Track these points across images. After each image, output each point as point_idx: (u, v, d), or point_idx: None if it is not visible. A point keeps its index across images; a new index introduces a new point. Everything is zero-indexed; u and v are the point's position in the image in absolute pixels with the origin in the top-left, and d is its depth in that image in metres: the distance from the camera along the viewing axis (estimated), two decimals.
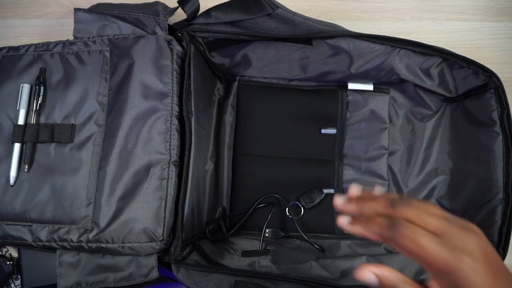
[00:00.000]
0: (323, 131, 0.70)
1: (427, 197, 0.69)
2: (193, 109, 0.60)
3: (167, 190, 0.57)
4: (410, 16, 0.76)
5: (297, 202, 0.68)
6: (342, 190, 0.69)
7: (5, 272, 0.66)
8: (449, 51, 0.61)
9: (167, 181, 0.57)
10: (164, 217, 0.56)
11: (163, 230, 0.56)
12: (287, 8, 0.60)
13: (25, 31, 0.76)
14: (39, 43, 0.63)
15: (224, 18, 0.60)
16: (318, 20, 0.62)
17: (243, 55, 0.67)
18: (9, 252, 0.67)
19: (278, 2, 0.59)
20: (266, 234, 0.67)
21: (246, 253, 0.63)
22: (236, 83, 0.72)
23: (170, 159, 0.58)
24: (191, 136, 0.59)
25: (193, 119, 0.60)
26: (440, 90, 0.66)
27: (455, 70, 0.63)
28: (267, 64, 0.69)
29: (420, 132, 0.70)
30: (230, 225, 0.69)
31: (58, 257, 0.58)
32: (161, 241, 0.56)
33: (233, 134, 0.71)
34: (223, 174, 0.70)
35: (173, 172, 0.58)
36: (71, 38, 0.63)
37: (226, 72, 0.71)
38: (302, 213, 0.68)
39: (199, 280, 0.54)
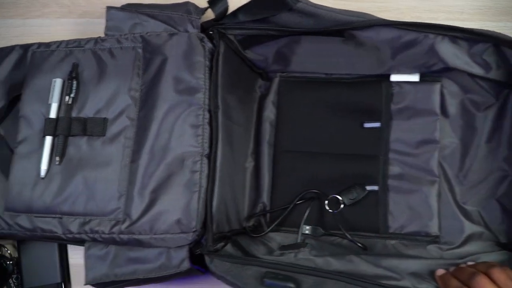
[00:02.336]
0: (365, 125, 0.67)
1: (486, 197, 0.63)
2: (220, 104, 0.61)
3: (200, 182, 0.58)
4: (410, 15, 0.73)
5: (336, 196, 0.65)
6: (387, 187, 0.65)
7: (6, 271, 0.67)
8: (497, 34, 0.56)
9: (200, 174, 0.58)
10: (198, 208, 0.57)
11: (196, 221, 0.57)
12: (308, 1, 0.59)
13: (25, 31, 0.76)
14: (70, 40, 0.65)
15: (249, 17, 0.61)
16: (346, 10, 0.59)
17: (279, 51, 0.67)
18: (9, 252, 0.68)
19: None
20: (306, 231, 0.65)
21: (284, 247, 0.63)
22: (277, 79, 0.71)
23: (202, 152, 0.59)
24: (217, 130, 0.60)
25: (219, 113, 0.60)
26: (497, 77, 0.60)
27: (509, 53, 0.57)
28: (304, 59, 0.68)
29: (478, 124, 0.64)
30: (270, 221, 0.68)
31: (86, 250, 0.60)
32: (194, 232, 0.56)
33: (274, 131, 0.70)
34: (264, 170, 0.69)
35: (205, 165, 0.58)
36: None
37: (266, 69, 0.71)
38: (341, 207, 0.65)
39: (231, 269, 0.55)
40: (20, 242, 0.68)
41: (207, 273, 0.58)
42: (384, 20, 0.59)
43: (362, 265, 0.58)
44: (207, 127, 0.60)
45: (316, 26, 0.59)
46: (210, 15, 0.64)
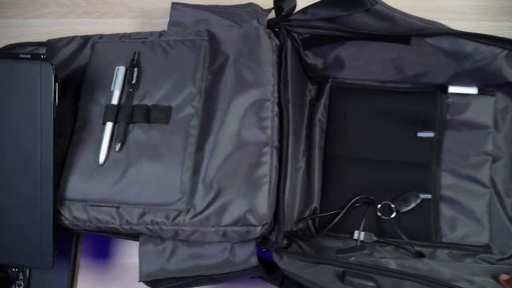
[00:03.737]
0: (419, 134, 0.67)
1: None
2: (290, 98, 0.60)
3: (270, 173, 0.55)
4: None
5: (389, 203, 0.65)
6: (440, 197, 0.65)
7: (9, 277, 0.65)
8: None
9: (270, 165, 0.56)
10: (268, 200, 0.54)
11: (268, 213, 0.54)
12: (386, 4, 0.59)
13: (25, 31, 0.76)
14: (133, 33, 0.64)
15: (321, 14, 0.61)
16: (418, 17, 0.60)
17: (337, 56, 0.67)
18: None
19: None
20: (361, 238, 0.63)
21: (341, 251, 0.60)
22: (329, 84, 0.71)
23: (272, 144, 0.57)
24: (288, 123, 0.58)
25: (290, 106, 0.59)
26: None
27: None
28: (360, 65, 0.68)
29: None
30: (320, 226, 0.66)
31: (140, 246, 0.56)
32: (263, 225, 0.54)
33: (324, 135, 0.70)
34: (314, 174, 0.68)
35: (274, 156, 0.57)
36: None
37: (318, 73, 0.71)
38: (394, 214, 0.64)
39: (303, 267, 0.52)
40: None
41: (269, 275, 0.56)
42: (455, 30, 0.60)
43: (426, 268, 0.56)
44: (276, 119, 0.58)
45: (389, 30, 0.59)
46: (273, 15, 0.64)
